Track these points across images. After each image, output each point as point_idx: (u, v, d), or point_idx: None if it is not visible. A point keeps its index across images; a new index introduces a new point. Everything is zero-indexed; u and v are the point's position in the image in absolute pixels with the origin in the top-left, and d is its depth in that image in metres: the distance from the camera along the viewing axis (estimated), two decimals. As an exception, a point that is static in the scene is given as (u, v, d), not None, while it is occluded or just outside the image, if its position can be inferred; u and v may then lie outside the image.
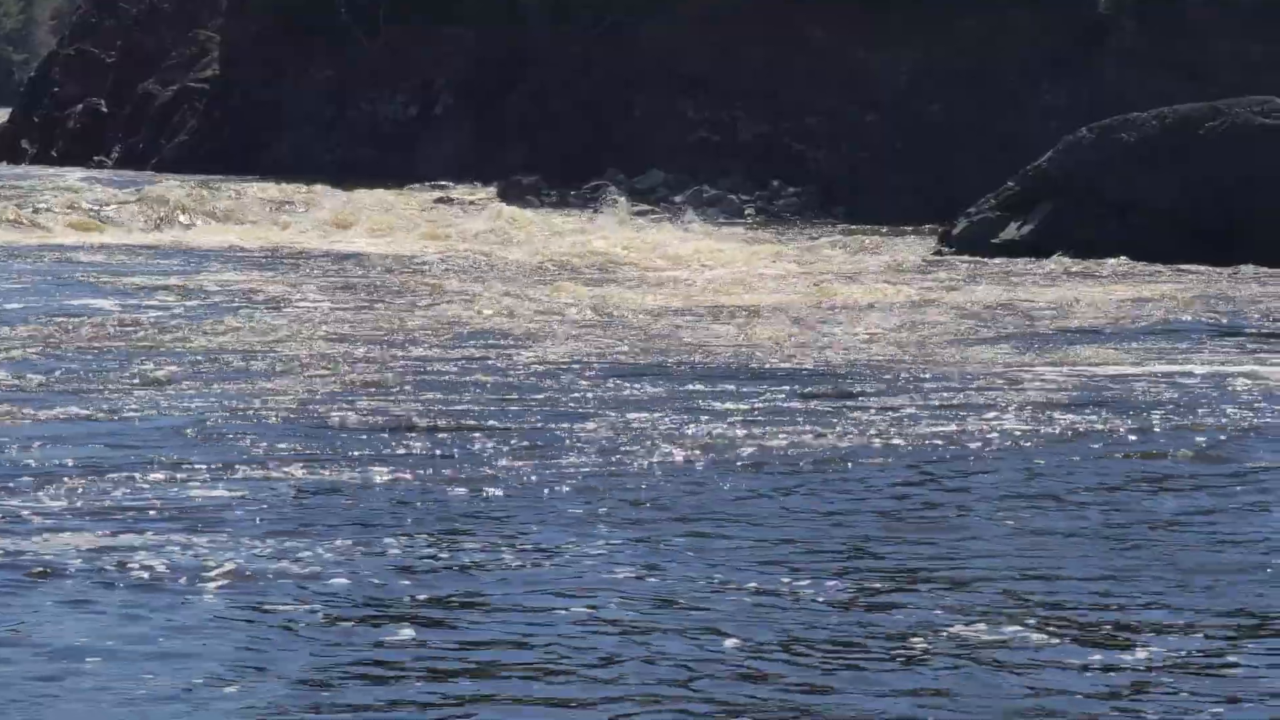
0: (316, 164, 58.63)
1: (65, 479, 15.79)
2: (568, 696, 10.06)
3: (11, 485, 15.70)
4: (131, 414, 19.48)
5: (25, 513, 14.80)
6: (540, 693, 10.21)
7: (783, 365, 25.33)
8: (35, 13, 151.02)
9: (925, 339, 28.88)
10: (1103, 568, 13.52)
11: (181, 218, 49.24)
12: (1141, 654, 11.43)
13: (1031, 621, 12.17)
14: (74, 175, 63.57)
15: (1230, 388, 23.72)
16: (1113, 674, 10.99)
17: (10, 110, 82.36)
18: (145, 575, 13.05)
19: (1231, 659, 11.64)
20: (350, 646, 11.10)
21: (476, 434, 18.66)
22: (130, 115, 73.23)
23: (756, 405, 20.85)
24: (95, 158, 70.58)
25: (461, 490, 16.16)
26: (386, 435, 18.41)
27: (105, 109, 74.68)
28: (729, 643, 11.48)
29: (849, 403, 21.51)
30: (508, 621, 11.85)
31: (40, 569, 13.23)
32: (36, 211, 48.75)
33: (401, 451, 17.45)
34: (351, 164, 58.31)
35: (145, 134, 71.11)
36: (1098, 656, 11.35)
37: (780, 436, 18.79)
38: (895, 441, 18.71)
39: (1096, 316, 32.06)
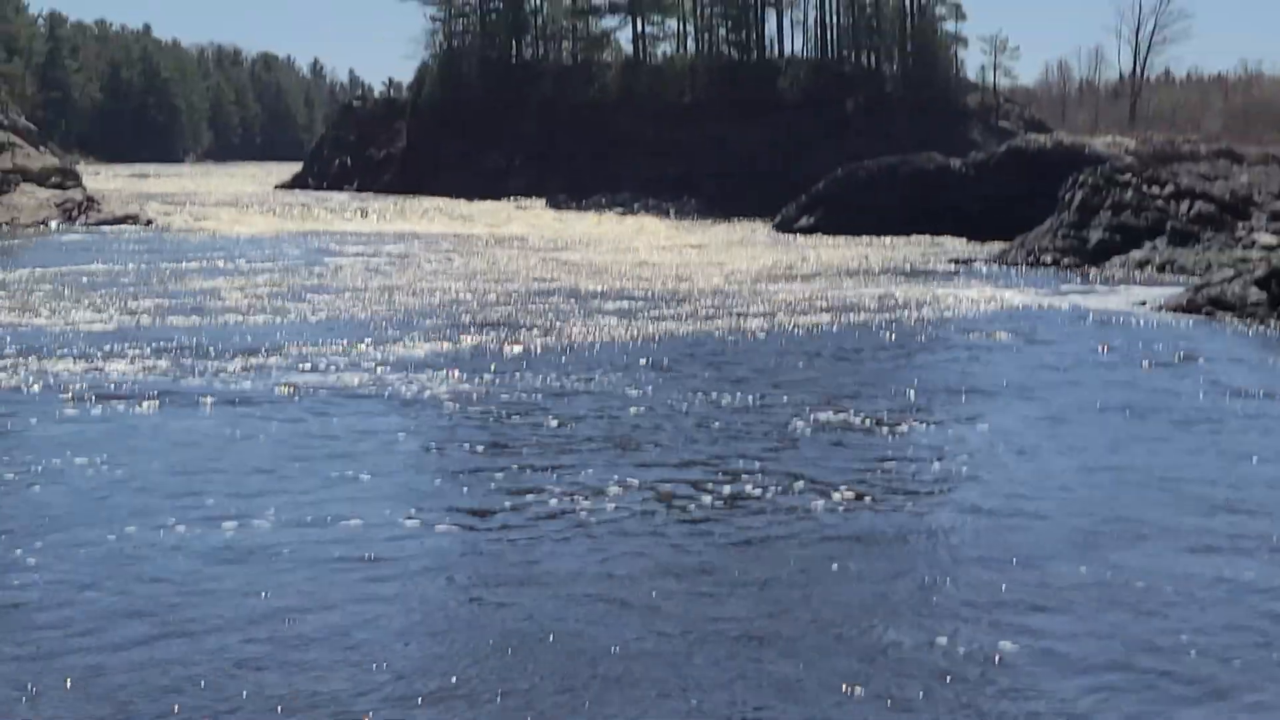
0: (454, 190, 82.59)
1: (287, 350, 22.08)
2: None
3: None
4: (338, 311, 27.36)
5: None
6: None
7: (662, 289, 33.51)
8: (315, 112, 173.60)
9: (755, 274, 37.46)
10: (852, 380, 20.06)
11: (382, 216, 67.57)
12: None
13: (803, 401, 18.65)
14: (336, 196, 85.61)
15: (923, 298, 31.31)
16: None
17: (303, 163, 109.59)
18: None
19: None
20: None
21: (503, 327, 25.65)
22: (364, 165, 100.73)
23: (641, 308, 28.65)
24: (345, 186, 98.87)
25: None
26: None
27: (349, 163, 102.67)
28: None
29: (698, 308, 29.09)
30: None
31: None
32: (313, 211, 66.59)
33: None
34: (473, 189, 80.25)
35: (389, 175, 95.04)
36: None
37: (651, 325, 25.93)
38: (750, 328, 26.02)
39: (840, 263, 40.82)
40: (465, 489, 14.18)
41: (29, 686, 9.06)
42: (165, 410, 18.09)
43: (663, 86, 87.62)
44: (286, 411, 18.08)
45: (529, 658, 9.52)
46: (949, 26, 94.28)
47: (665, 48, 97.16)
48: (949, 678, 9.32)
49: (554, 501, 13.63)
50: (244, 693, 8.88)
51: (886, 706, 8.88)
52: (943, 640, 9.95)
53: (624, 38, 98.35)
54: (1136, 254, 41.33)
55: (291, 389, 19.62)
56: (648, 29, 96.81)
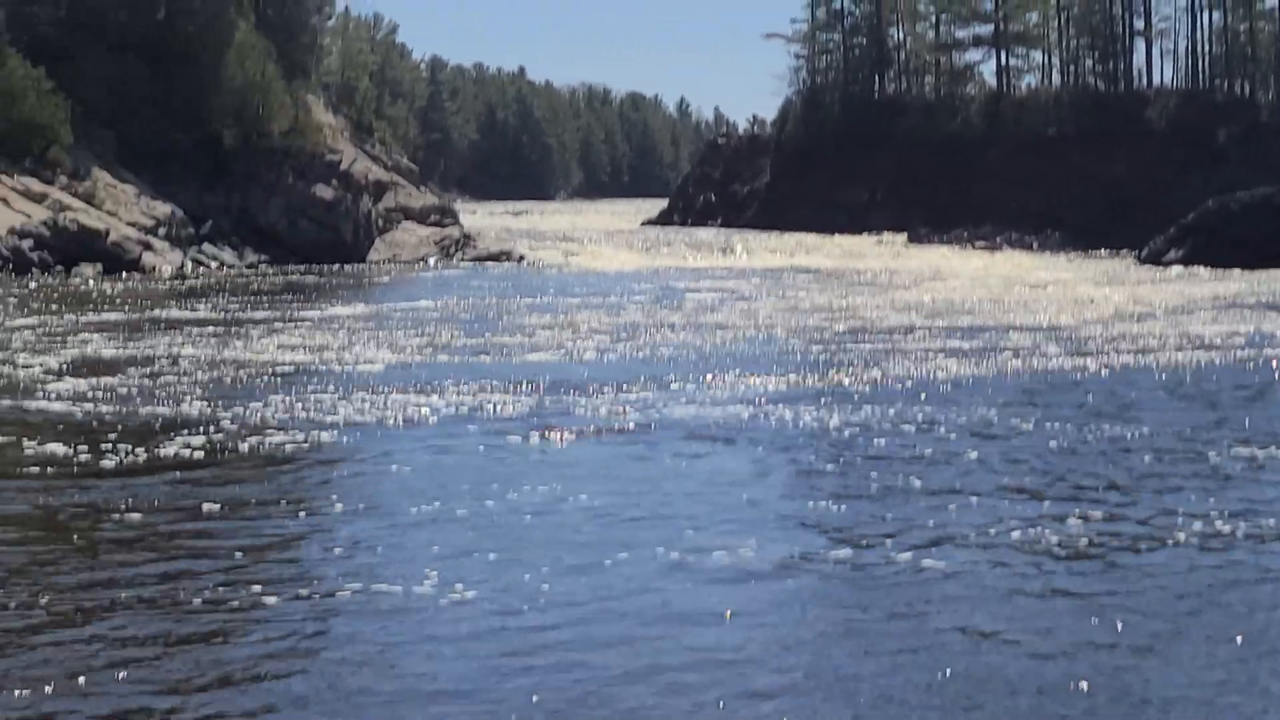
0: (815, 225, 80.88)
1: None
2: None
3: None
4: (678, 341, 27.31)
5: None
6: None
7: (1026, 323, 33.19)
8: (680, 150, 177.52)
9: (1124, 310, 36.52)
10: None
11: (744, 252, 68.97)
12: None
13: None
14: (700, 232, 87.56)
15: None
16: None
17: (668, 199, 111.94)
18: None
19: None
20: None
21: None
22: (728, 201, 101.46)
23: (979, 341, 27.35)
24: (709, 222, 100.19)
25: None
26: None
27: (714, 199, 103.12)
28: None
29: (1064, 344, 28.81)
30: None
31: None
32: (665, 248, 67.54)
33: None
34: (834, 224, 79.17)
35: (752, 211, 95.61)
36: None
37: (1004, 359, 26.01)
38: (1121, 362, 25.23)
39: (1213, 297, 39.94)
40: (851, 520, 14.30)
41: (492, 695, 9.42)
42: (567, 440, 18.45)
43: (1027, 119, 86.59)
44: (679, 444, 18.27)
45: (923, 684, 9.66)
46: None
47: (1030, 80, 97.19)
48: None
49: (937, 533, 13.68)
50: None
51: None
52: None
53: (988, 71, 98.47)
54: None
55: (676, 421, 19.83)
56: (1012, 61, 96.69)
